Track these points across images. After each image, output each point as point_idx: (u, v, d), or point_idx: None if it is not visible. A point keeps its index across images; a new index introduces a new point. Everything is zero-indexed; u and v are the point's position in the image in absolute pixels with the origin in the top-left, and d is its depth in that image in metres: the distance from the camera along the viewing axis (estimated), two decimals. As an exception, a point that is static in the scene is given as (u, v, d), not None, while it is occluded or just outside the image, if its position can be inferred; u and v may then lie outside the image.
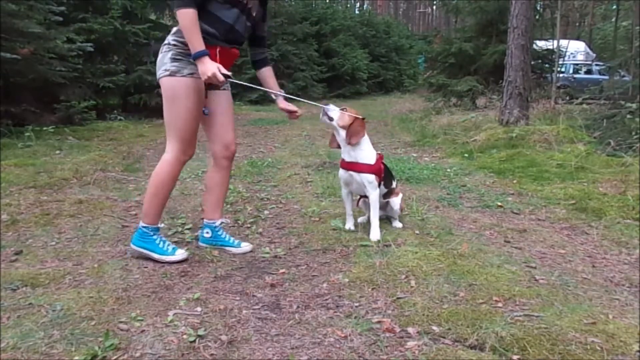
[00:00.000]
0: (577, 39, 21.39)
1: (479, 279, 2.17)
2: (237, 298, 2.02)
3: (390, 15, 34.78)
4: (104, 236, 2.68)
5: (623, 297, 2.06)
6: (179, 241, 2.68)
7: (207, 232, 2.58)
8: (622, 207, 3.26)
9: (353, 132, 2.60)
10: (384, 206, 2.94)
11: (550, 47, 9.49)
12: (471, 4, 9.81)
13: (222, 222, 2.60)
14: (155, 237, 2.37)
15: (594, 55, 18.14)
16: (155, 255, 2.35)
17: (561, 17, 9.14)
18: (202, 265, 2.36)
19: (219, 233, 2.57)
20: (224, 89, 2.49)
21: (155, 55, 2.41)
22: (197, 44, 2.11)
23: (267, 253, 2.52)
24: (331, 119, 2.62)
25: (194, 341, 1.68)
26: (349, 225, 2.89)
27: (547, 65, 9.74)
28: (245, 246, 2.58)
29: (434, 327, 1.76)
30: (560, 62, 10.21)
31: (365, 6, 33.36)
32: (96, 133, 6.49)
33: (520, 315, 1.84)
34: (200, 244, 2.61)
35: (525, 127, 5.79)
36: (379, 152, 2.78)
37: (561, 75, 10.80)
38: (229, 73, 2.17)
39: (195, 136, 2.36)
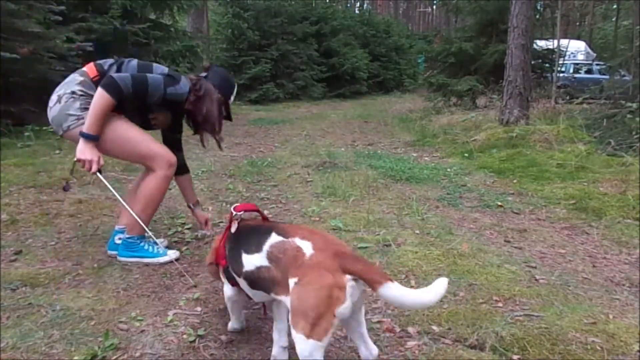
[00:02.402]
0: (578, 38, 21.38)
1: (479, 278, 2.17)
2: (237, 298, 2.01)
3: (390, 14, 34.76)
4: (103, 236, 2.67)
5: (623, 297, 2.06)
6: (179, 241, 2.68)
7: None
8: (623, 206, 3.26)
9: None
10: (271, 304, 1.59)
11: (551, 47, 9.47)
12: (471, 3, 9.79)
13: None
14: (142, 244, 2.35)
15: (594, 54, 18.12)
16: (147, 260, 2.33)
17: (561, 17, 9.13)
18: (202, 265, 2.36)
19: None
20: None
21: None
22: (95, 126, 2.10)
23: (267, 253, 2.52)
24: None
25: (194, 341, 1.68)
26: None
27: (547, 65, 9.73)
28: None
29: (434, 327, 1.76)
30: (561, 62, 10.19)
31: (365, 6, 33.42)
32: (96, 133, 6.46)
33: (520, 315, 1.84)
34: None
35: (525, 127, 5.78)
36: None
37: (561, 74, 10.78)
38: (101, 168, 2.15)
39: (157, 142, 2.33)
